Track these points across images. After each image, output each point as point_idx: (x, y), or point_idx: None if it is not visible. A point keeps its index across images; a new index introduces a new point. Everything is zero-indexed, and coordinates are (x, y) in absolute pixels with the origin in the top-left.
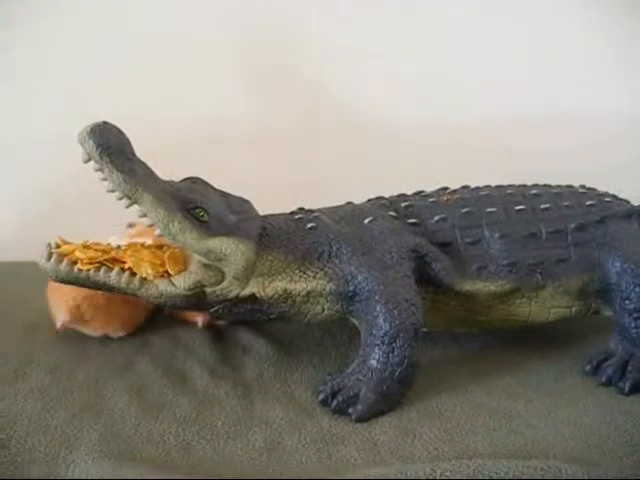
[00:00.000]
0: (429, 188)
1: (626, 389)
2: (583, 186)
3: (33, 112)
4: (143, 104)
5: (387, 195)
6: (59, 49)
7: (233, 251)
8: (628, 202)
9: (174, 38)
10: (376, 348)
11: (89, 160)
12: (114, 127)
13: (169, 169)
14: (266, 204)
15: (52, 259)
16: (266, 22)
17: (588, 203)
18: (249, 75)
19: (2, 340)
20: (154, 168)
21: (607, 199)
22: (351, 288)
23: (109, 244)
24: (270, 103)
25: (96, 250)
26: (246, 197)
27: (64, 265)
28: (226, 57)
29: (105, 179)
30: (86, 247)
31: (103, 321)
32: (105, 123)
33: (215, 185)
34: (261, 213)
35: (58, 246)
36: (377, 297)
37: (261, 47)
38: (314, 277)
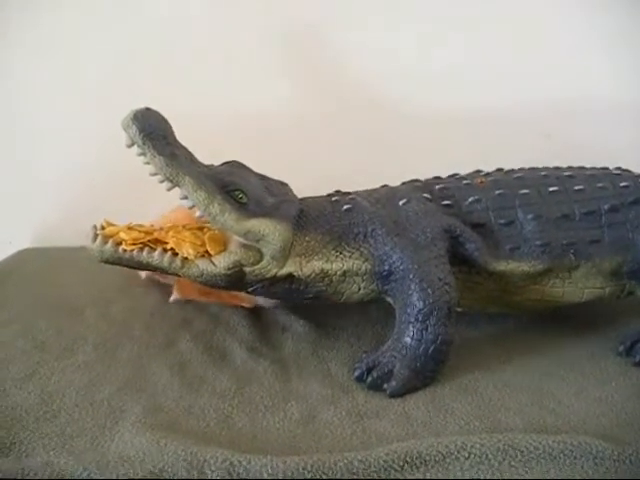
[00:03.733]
0: (464, 172)
1: None
2: (619, 168)
3: (76, 100)
4: (185, 95)
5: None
6: (99, 39)
7: (271, 232)
8: None
9: (213, 31)
10: (410, 326)
11: (132, 145)
12: (156, 113)
13: (210, 155)
14: (304, 188)
15: (98, 240)
16: (299, 15)
17: (622, 184)
18: (285, 68)
19: (52, 319)
20: (196, 154)
21: None
22: (386, 267)
23: (152, 226)
24: (306, 94)
25: (139, 231)
26: (284, 181)
27: (109, 246)
28: (263, 50)
29: (148, 163)
30: (130, 229)
31: None
32: (147, 109)
33: (254, 169)
34: (299, 196)
35: (103, 228)
36: (411, 276)
37: (296, 40)
38: (350, 257)
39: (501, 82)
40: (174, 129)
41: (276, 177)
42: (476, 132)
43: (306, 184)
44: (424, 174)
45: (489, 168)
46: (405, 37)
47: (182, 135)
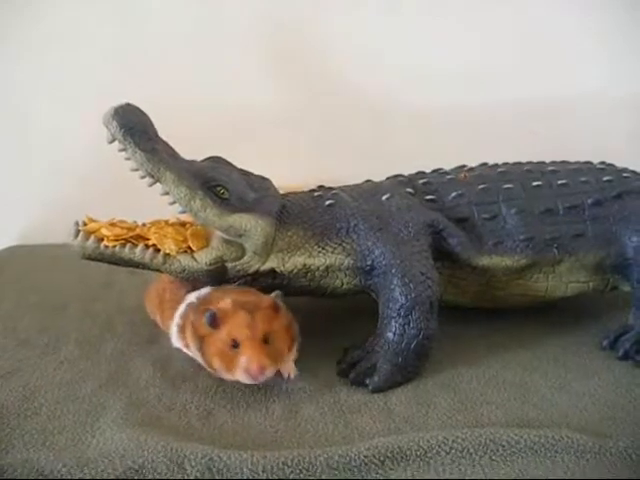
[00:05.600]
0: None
1: None
2: (602, 162)
3: (59, 97)
4: (168, 90)
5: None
6: (87, 36)
7: (253, 227)
8: None
9: (198, 25)
10: (392, 321)
11: (113, 140)
12: (137, 108)
13: (194, 151)
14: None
15: (79, 237)
16: (287, 9)
17: (606, 179)
18: (269, 61)
19: (36, 316)
20: (179, 150)
21: (625, 174)
22: (368, 262)
23: (135, 222)
24: (290, 88)
25: (122, 227)
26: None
27: (90, 242)
28: (248, 44)
29: (129, 158)
30: (112, 225)
31: None
32: (128, 105)
33: (237, 165)
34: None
35: (85, 224)
36: (393, 271)
37: (281, 34)
38: (332, 252)
39: (491, 79)
40: (158, 124)
41: (259, 172)
42: (465, 129)
43: (290, 180)
44: (411, 170)
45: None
46: (393, 32)
47: (165, 130)
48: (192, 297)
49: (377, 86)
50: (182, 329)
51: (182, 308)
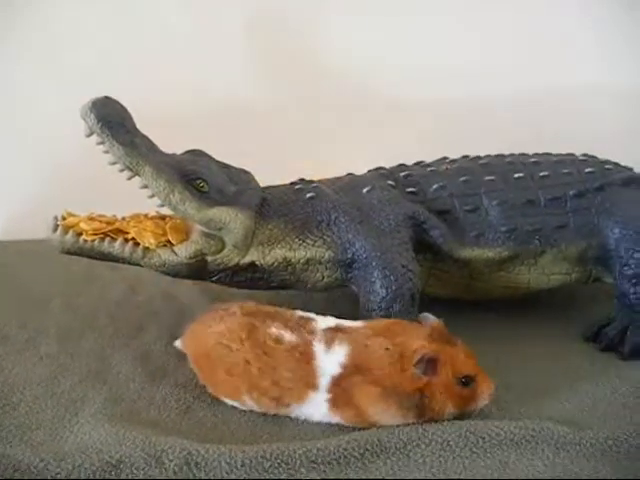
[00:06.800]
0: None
1: (625, 353)
2: (585, 154)
3: (42, 94)
4: (153, 86)
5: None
6: (74, 31)
7: (232, 220)
8: (631, 169)
9: (183, 21)
10: (373, 313)
11: (91, 134)
12: (115, 101)
13: (176, 144)
14: (270, 177)
15: (58, 231)
16: (274, 6)
17: (587, 170)
18: (255, 57)
19: (16, 312)
20: (166, 146)
21: (608, 166)
22: (349, 255)
23: (114, 216)
24: (275, 85)
25: (101, 222)
26: (249, 169)
27: (69, 236)
28: (234, 40)
29: (107, 151)
30: (91, 219)
31: None
32: (106, 97)
33: (220, 158)
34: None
35: (64, 218)
36: (374, 264)
37: (267, 30)
38: (313, 245)
39: (490, 75)
40: (137, 117)
41: (240, 165)
42: (456, 122)
43: (272, 174)
44: (389, 162)
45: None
46: (384, 27)
47: (145, 124)
48: (331, 367)
49: (367, 80)
50: (336, 401)
51: (326, 380)
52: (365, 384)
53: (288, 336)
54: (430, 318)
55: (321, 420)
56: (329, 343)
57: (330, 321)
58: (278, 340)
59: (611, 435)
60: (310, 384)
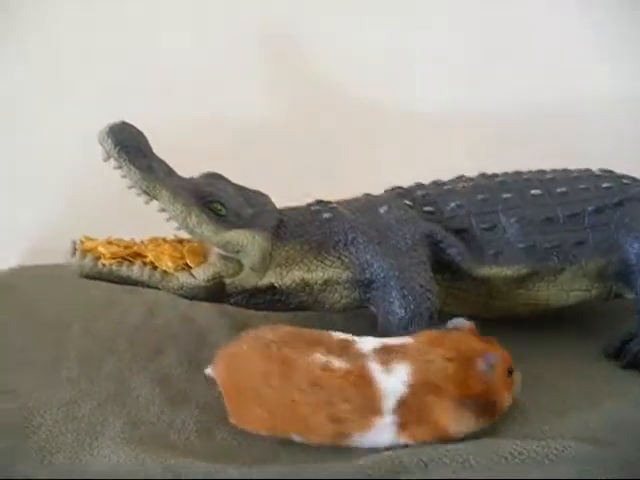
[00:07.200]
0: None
1: None
2: (602, 169)
3: (56, 115)
4: (163, 106)
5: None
6: (89, 51)
7: (250, 242)
8: None
9: (190, 40)
10: (391, 334)
11: (109, 158)
12: (132, 126)
13: (189, 166)
14: (285, 199)
15: (76, 255)
16: (279, 22)
17: (605, 185)
18: (270, 78)
19: (36, 336)
20: (174, 166)
21: (625, 181)
22: (367, 276)
23: (132, 239)
24: (285, 101)
25: (119, 245)
26: (265, 192)
27: (88, 260)
28: (249, 61)
29: (124, 176)
30: (109, 243)
31: None
32: (123, 123)
33: (236, 181)
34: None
35: (82, 243)
36: (392, 283)
37: (274, 46)
38: (331, 266)
39: (488, 82)
40: (153, 141)
41: (257, 188)
42: (460, 135)
43: (287, 195)
44: (404, 180)
45: (476, 172)
46: (380, 36)
47: (161, 148)
48: (396, 388)
49: (368, 92)
50: (406, 422)
51: (391, 403)
52: (438, 398)
53: (337, 362)
54: (462, 322)
55: (386, 444)
56: (386, 363)
57: (372, 341)
58: (327, 368)
59: (636, 453)
60: (374, 410)
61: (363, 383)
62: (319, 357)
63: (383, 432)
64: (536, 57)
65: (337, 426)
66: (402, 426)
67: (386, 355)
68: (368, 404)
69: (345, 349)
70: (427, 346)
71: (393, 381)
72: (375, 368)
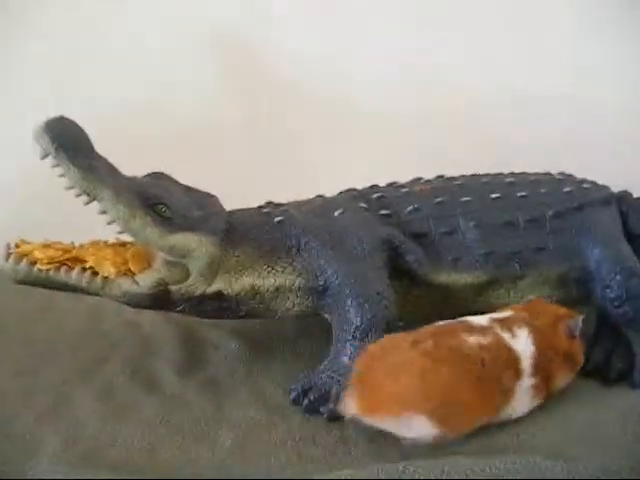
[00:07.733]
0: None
1: (611, 379)
2: (562, 173)
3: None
4: (121, 105)
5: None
6: (47, 45)
7: (197, 247)
8: (608, 188)
9: (153, 38)
10: (347, 344)
11: (46, 156)
12: (72, 122)
13: (137, 167)
14: (243, 200)
15: (10, 259)
16: (244, 23)
17: (566, 190)
18: (222, 75)
19: None
20: (131, 165)
21: (585, 185)
22: (321, 282)
23: (71, 243)
24: (249, 103)
25: (56, 249)
26: (223, 193)
27: (23, 265)
28: (201, 57)
29: (63, 175)
30: (46, 246)
31: None
32: (62, 118)
33: (184, 182)
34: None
35: (17, 246)
36: (347, 291)
37: (235, 46)
38: (282, 272)
39: (483, 80)
40: (95, 138)
41: (202, 187)
42: (427, 137)
43: (240, 196)
44: (362, 183)
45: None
46: (353, 49)
47: (104, 145)
48: (527, 349)
49: (339, 98)
50: (539, 384)
51: (527, 364)
52: (556, 356)
53: (482, 339)
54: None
55: (525, 411)
56: (510, 331)
57: (482, 317)
58: (484, 346)
59: (600, 467)
60: (518, 374)
61: (507, 351)
62: (472, 339)
63: (524, 396)
64: (533, 56)
65: (503, 398)
66: (536, 388)
67: (505, 324)
68: (514, 370)
69: (471, 328)
70: (528, 314)
71: (522, 343)
72: (506, 336)
